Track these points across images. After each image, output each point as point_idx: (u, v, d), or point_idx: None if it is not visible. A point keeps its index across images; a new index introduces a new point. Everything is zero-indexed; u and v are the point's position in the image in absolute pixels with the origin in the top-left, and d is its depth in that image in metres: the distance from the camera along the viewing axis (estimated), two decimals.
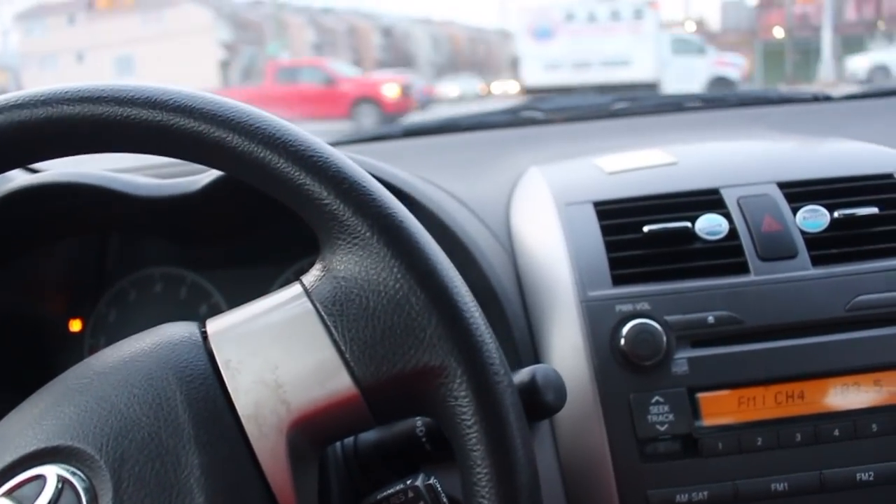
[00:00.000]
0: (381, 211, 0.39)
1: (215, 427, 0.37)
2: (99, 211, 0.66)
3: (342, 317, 0.38)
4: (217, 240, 0.72)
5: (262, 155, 0.39)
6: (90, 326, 0.76)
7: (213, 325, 0.41)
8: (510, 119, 1.24)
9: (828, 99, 1.28)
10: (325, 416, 0.38)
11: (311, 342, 0.38)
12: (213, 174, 0.62)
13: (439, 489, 0.43)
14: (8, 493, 0.37)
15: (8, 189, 0.64)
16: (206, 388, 0.38)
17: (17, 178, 0.66)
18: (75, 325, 0.76)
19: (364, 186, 0.39)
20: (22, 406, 0.42)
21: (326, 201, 0.39)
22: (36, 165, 0.79)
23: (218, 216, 0.67)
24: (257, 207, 0.66)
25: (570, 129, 1.19)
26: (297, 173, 0.39)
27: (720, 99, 1.28)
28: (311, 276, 0.40)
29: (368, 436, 0.55)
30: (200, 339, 0.41)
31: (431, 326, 0.37)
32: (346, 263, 0.39)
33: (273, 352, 0.38)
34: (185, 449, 0.37)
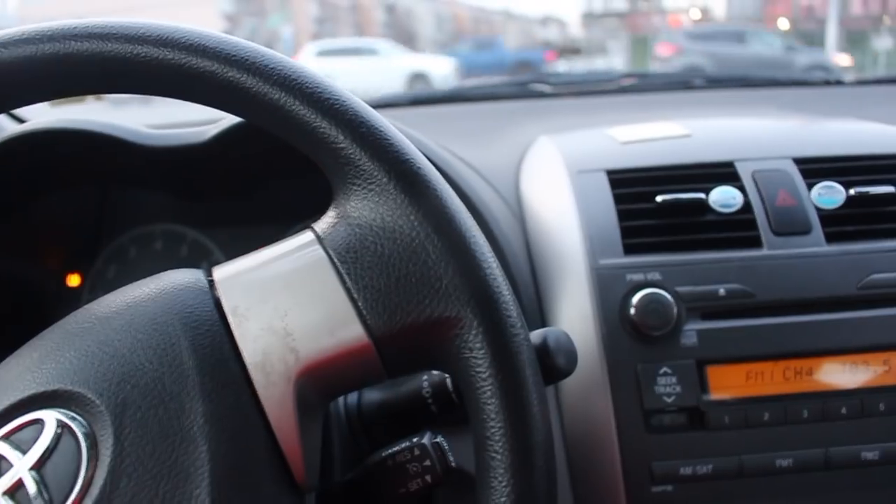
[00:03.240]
0: (399, 157, 0.37)
1: (221, 375, 0.36)
2: (101, 160, 0.64)
3: (355, 264, 0.37)
4: (221, 196, 0.70)
5: (276, 97, 0.37)
6: (89, 282, 0.75)
7: (220, 272, 0.39)
8: (518, 91, 1.22)
9: (839, 83, 1.27)
10: (335, 367, 0.37)
11: (323, 290, 0.37)
12: (220, 125, 0.61)
13: (446, 448, 0.42)
14: (5, 437, 0.36)
15: (6, 136, 0.63)
16: (212, 334, 0.37)
17: (10, 128, 0.64)
18: (73, 280, 0.75)
19: (382, 131, 0.38)
20: (20, 351, 0.40)
21: (342, 145, 0.37)
22: (27, 114, 0.78)
23: (223, 170, 0.66)
24: (265, 164, 0.65)
25: (578, 102, 1.18)
26: (312, 116, 0.37)
27: (729, 79, 1.27)
28: (324, 223, 0.39)
29: (372, 396, 0.54)
30: (207, 285, 0.39)
31: (448, 276, 0.36)
32: (361, 210, 0.37)
33: (283, 299, 0.37)
34: (189, 396, 0.35)
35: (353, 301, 0.36)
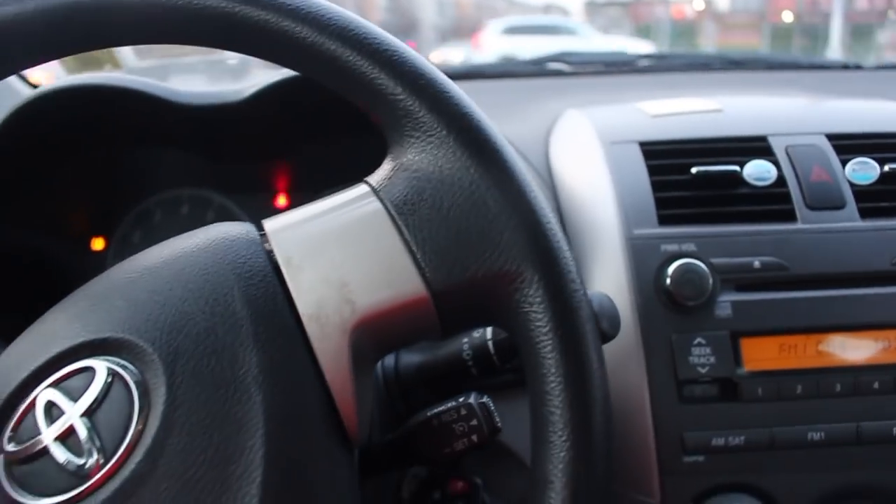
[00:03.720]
0: (459, 109, 0.37)
1: (275, 325, 0.36)
2: (133, 118, 0.64)
3: (413, 216, 0.36)
4: (252, 160, 0.69)
5: (334, 48, 0.37)
6: (113, 246, 0.74)
7: (272, 224, 0.39)
8: (537, 69, 1.21)
9: (858, 67, 1.26)
10: (391, 320, 0.36)
11: (380, 242, 0.36)
12: (257, 86, 0.60)
13: (492, 408, 0.42)
14: (55, 384, 0.36)
15: (36, 93, 0.62)
16: (265, 285, 0.36)
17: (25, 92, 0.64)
18: (97, 244, 0.74)
19: (441, 84, 0.37)
20: (67, 300, 0.40)
21: (401, 97, 0.37)
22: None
23: (257, 133, 0.65)
24: (299, 128, 0.64)
25: (596, 81, 1.17)
26: (370, 67, 0.37)
27: (749, 61, 1.26)
28: (379, 175, 0.38)
29: (410, 359, 0.54)
30: (258, 237, 0.39)
31: (508, 230, 0.35)
32: (420, 161, 0.37)
33: (338, 251, 0.37)
34: (242, 346, 0.35)
35: (412, 254, 0.36)
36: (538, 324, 0.35)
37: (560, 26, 13.18)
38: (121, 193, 0.73)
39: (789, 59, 1.29)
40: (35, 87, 0.89)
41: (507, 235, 0.35)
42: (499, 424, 0.41)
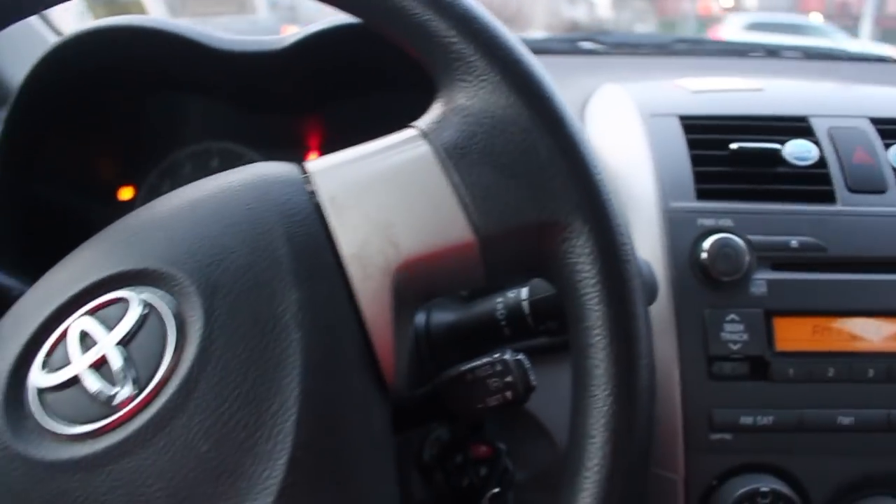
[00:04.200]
0: (512, 54, 0.36)
1: (316, 264, 0.35)
2: (168, 63, 0.63)
3: (464, 160, 0.36)
4: (287, 112, 0.68)
5: None
6: (141, 196, 0.74)
7: (316, 164, 0.38)
8: (569, 48, 1.20)
9: None
10: (436, 264, 0.36)
11: (428, 185, 0.36)
12: (299, 34, 0.59)
13: (527, 366, 0.41)
14: (90, 313, 0.35)
15: (66, 37, 0.61)
16: (307, 223, 0.36)
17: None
18: (126, 194, 0.74)
19: (495, 28, 0.37)
20: (101, 234, 0.39)
21: (453, 40, 0.36)
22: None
23: (294, 85, 0.64)
24: (337, 82, 0.63)
25: (629, 62, 1.15)
26: (422, 10, 0.36)
27: (786, 49, 1.24)
28: (429, 119, 0.38)
29: (442, 317, 0.53)
30: (301, 177, 0.38)
31: (559, 179, 0.35)
32: (471, 106, 0.36)
33: (384, 192, 0.36)
34: (282, 283, 0.34)
35: (460, 198, 0.35)
36: (585, 275, 0.34)
37: (806, 26, 12.72)
38: (151, 144, 0.73)
39: (826, 49, 1.27)
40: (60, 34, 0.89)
41: (558, 184, 0.35)
42: (534, 383, 0.41)
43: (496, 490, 0.58)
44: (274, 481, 0.32)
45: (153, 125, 0.72)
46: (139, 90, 0.68)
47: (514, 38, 0.37)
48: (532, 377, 0.41)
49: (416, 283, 0.36)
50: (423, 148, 0.36)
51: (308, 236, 0.36)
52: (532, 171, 0.35)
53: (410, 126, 0.38)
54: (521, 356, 0.42)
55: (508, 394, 0.41)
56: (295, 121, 0.70)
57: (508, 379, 0.41)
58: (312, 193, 0.37)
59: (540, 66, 0.37)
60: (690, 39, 1.26)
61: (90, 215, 0.73)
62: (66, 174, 0.71)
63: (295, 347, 0.34)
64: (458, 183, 0.35)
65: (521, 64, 0.36)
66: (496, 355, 0.41)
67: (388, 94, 0.63)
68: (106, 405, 0.33)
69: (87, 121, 0.69)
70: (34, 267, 0.43)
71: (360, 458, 0.34)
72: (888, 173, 0.63)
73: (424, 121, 0.38)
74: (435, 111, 0.37)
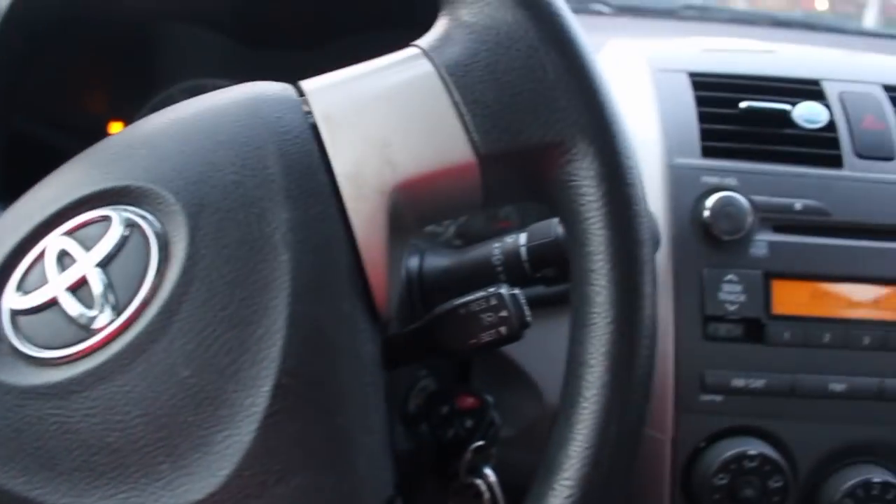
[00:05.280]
0: None
1: (308, 183, 0.33)
2: None
3: (466, 78, 0.34)
4: (285, 47, 0.66)
5: None
6: None
7: (311, 84, 0.36)
8: (576, 7, 1.17)
9: None
10: (434, 185, 0.34)
11: (428, 104, 0.34)
12: None
13: (523, 301, 0.40)
14: (69, 233, 0.34)
15: None
16: (301, 142, 0.34)
17: None
18: (115, 128, 0.72)
19: None
20: (84, 153, 0.38)
21: None
22: None
23: (296, 16, 0.62)
24: (338, 17, 0.61)
25: (637, 23, 1.13)
26: None
27: (794, 22, 1.22)
28: (431, 37, 0.36)
29: (436, 261, 0.52)
30: (296, 96, 0.36)
31: (565, 98, 0.33)
32: (475, 23, 0.34)
33: (382, 110, 0.34)
34: (272, 202, 0.33)
35: (461, 116, 0.34)
36: (589, 198, 0.33)
37: None
38: (144, 77, 0.71)
39: (835, 22, 1.25)
40: None
41: (564, 103, 0.33)
42: (529, 319, 0.39)
43: (480, 443, 0.57)
44: (258, 409, 0.31)
45: (146, 57, 0.70)
46: (133, 19, 0.66)
47: None
48: (528, 312, 0.40)
49: (412, 204, 0.35)
50: (425, 66, 0.35)
51: (301, 155, 0.34)
52: (537, 91, 0.33)
53: (412, 45, 0.36)
54: (516, 290, 0.40)
55: (503, 329, 0.39)
56: (292, 57, 0.68)
57: (503, 314, 0.39)
58: (308, 113, 0.35)
59: None
60: (698, 6, 1.23)
61: (78, 148, 0.71)
62: (54, 105, 0.69)
63: (283, 269, 0.32)
64: (460, 101, 0.34)
65: None
66: (491, 289, 0.40)
67: (389, 34, 0.61)
68: (83, 329, 0.32)
69: (77, 50, 0.67)
70: (16, 193, 0.41)
71: (348, 387, 0.33)
72: None
73: (426, 39, 0.36)
74: (437, 29, 0.36)
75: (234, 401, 0.31)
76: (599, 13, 1.15)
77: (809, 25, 1.21)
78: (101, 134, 0.71)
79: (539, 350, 0.58)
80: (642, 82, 0.65)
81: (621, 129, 0.33)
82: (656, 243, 0.45)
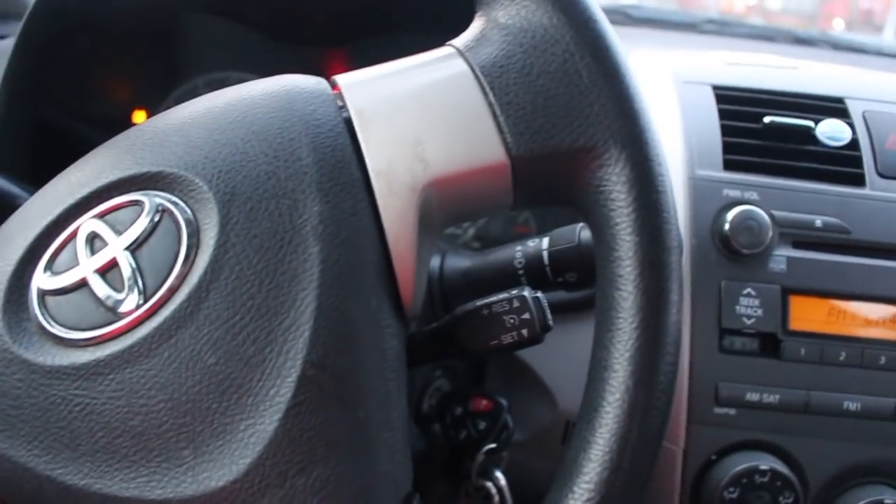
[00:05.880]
0: None
1: (340, 177, 0.34)
2: None
3: (500, 79, 0.34)
4: (313, 43, 0.66)
5: None
6: None
7: (347, 78, 0.37)
8: None
9: None
10: (465, 185, 0.34)
11: (462, 103, 0.34)
12: None
13: (545, 304, 0.40)
14: (100, 216, 0.34)
15: None
16: (334, 135, 0.34)
17: None
18: (139, 117, 0.73)
19: None
20: (116, 137, 0.38)
21: None
22: None
23: (327, 13, 0.62)
24: (366, 16, 0.61)
25: (656, 35, 1.14)
26: None
27: (815, 39, 1.22)
28: (466, 37, 0.36)
29: (457, 261, 0.52)
30: (330, 90, 0.37)
31: (600, 103, 0.33)
32: (512, 25, 0.35)
33: (416, 108, 0.34)
34: (304, 194, 0.33)
35: (495, 117, 0.34)
36: (619, 203, 0.33)
37: None
38: (170, 67, 0.71)
39: (856, 42, 1.24)
40: None
41: (598, 108, 0.33)
42: (550, 323, 0.39)
43: (493, 445, 0.57)
44: (282, 399, 0.31)
45: (175, 47, 0.70)
46: (167, 6, 0.66)
47: None
48: (549, 317, 0.40)
49: (442, 203, 0.35)
50: (460, 66, 0.35)
51: (334, 148, 0.34)
52: (571, 95, 0.33)
53: (448, 44, 0.36)
54: (539, 294, 0.40)
55: (525, 331, 0.39)
56: (321, 54, 0.68)
57: (525, 316, 0.39)
58: (342, 107, 0.36)
59: None
60: (719, 20, 1.23)
61: (103, 137, 0.71)
62: (79, 95, 0.69)
63: (313, 261, 0.32)
64: (494, 102, 0.34)
65: None
66: (514, 291, 0.40)
67: (418, 36, 0.62)
68: (111, 311, 0.32)
69: (102, 41, 0.67)
70: (44, 181, 0.41)
71: (372, 382, 0.33)
72: None
73: (462, 39, 0.36)
74: (473, 29, 0.36)
75: (259, 390, 0.31)
76: (621, 24, 1.15)
77: (830, 43, 1.21)
78: (126, 123, 0.72)
79: (555, 356, 0.58)
80: (667, 93, 0.65)
81: (653, 137, 0.34)
82: (679, 251, 0.45)
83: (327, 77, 0.68)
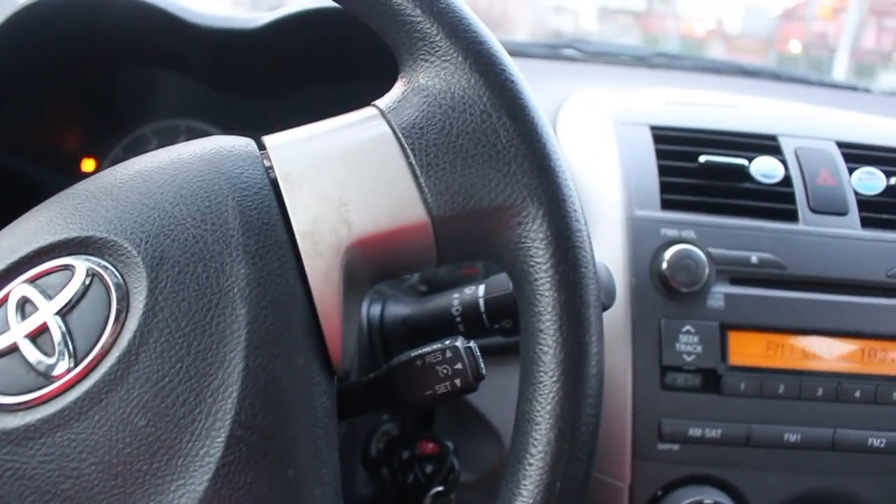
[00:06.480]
0: (477, 37, 0.35)
1: (266, 239, 0.34)
2: (137, 33, 0.61)
3: (420, 140, 0.35)
4: (256, 94, 0.67)
5: None
6: (103, 169, 0.72)
7: (273, 140, 0.37)
8: (548, 52, 1.20)
9: (867, 91, 1.26)
10: (388, 244, 0.35)
11: (384, 164, 0.35)
12: (275, 14, 0.58)
13: (478, 354, 0.40)
14: (31, 281, 0.34)
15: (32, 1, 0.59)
16: (260, 198, 0.35)
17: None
18: (88, 165, 0.72)
19: (460, 10, 0.36)
20: (48, 201, 0.38)
21: (418, 19, 0.35)
22: None
23: (267, 64, 0.63)
24: (307, 67, 0.62)
25: (607, 70, 1.16)
26: None
27: (760, 71, 1.25)
28: (389, 98, 0.37)
29: (396, 309, 0.52)
30: (257, 151, 0.37)
31: (517, 162, 0.34)
32: (432, 87, 0.35)
33: (340, 170, 0.35)
34: (231, 257, 0.33)
35: (416, 177, 0.35)
36: (538, 260, 0.34)
37: None
38: (118, 116, 0.71)
39: (799, 74, 1.28)
40: None
41: (515, 167, 0.34)
42: (483, 372, 0.40)
43: (440, 488, 0.57)
44: (211, 459, 0.31)
45: (121, 97, 0.70)
46: (109, 60, 0.67)
47: (479, 20, 0.36)
48: (482, 366, 0.40)
49: (367, 262, 0.35)
50: (382, 127, 0.36)
51: (260, 210, 0.35)
52: (490, 154, 0.34)
53: (371, 105, 0.37)
54: (472, 344, 0.41)
55: (458, 381, 0.39)
56: (266, 103, 0.69)
57: (458, 366, 0.39)
58: (269, 168, 0.36)
59: (503, 50, 0.36)
60: (669, 54, 1.26)
61: (51, 185, 0.71)
62: (27, 141, 0.69)
63: (240, 322, 0.33)
64: (414, 163, 0.35)
65: (485, 45, 0.35)
66: (447, 342, 0.40)
67: (361, 83, 0.63)
68: (42, 376, 0.32)
69: (52, 88, 0.67)
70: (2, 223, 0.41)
71: (301, 440, 0.34)
72: (850, 196, 0.64)
73: (384, 100, 0.37)
74: (395, 91, 0.37)
75: (189, 451, 0.31)
76: (572, 59, 1.18)
77: (775, 76, 1.25)
78: (76, 169, 0.72)
79: (500, 397, 0.58)
80: (605, 135, 0.67)
81: (571, 194, 0.35)
82: (611, 298, 0.46)
83: (270, 125, 0.69)
